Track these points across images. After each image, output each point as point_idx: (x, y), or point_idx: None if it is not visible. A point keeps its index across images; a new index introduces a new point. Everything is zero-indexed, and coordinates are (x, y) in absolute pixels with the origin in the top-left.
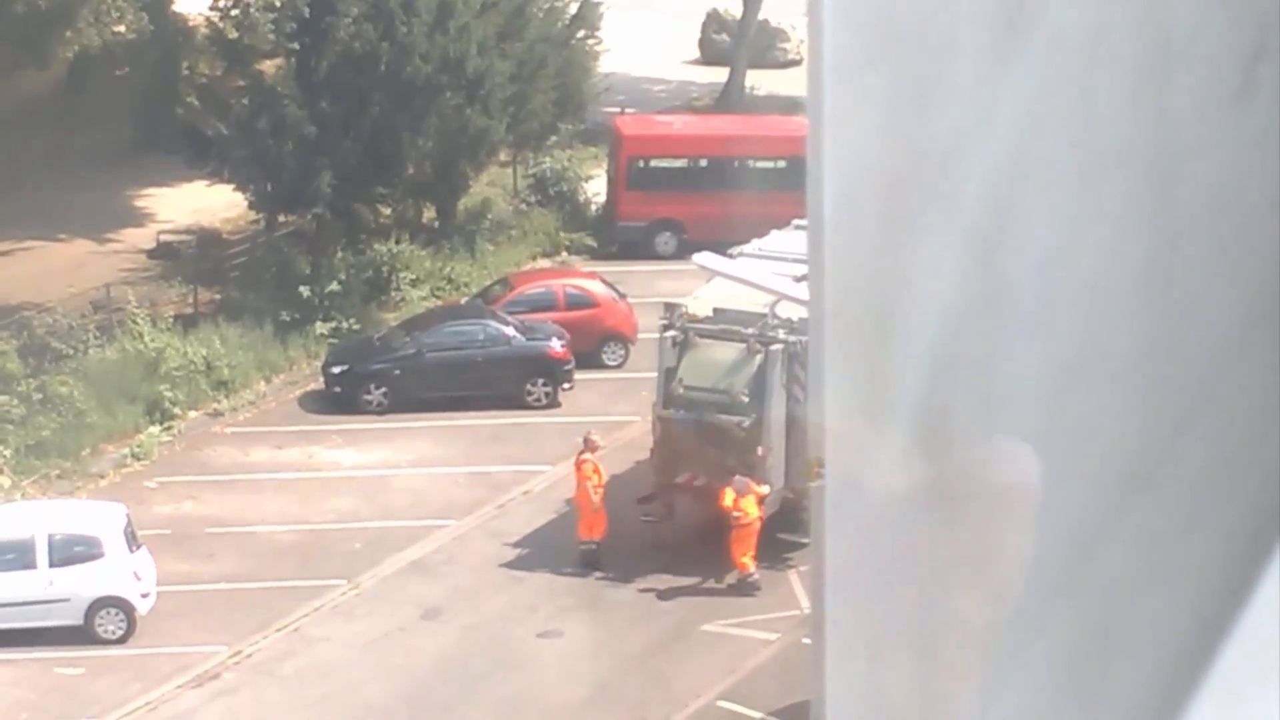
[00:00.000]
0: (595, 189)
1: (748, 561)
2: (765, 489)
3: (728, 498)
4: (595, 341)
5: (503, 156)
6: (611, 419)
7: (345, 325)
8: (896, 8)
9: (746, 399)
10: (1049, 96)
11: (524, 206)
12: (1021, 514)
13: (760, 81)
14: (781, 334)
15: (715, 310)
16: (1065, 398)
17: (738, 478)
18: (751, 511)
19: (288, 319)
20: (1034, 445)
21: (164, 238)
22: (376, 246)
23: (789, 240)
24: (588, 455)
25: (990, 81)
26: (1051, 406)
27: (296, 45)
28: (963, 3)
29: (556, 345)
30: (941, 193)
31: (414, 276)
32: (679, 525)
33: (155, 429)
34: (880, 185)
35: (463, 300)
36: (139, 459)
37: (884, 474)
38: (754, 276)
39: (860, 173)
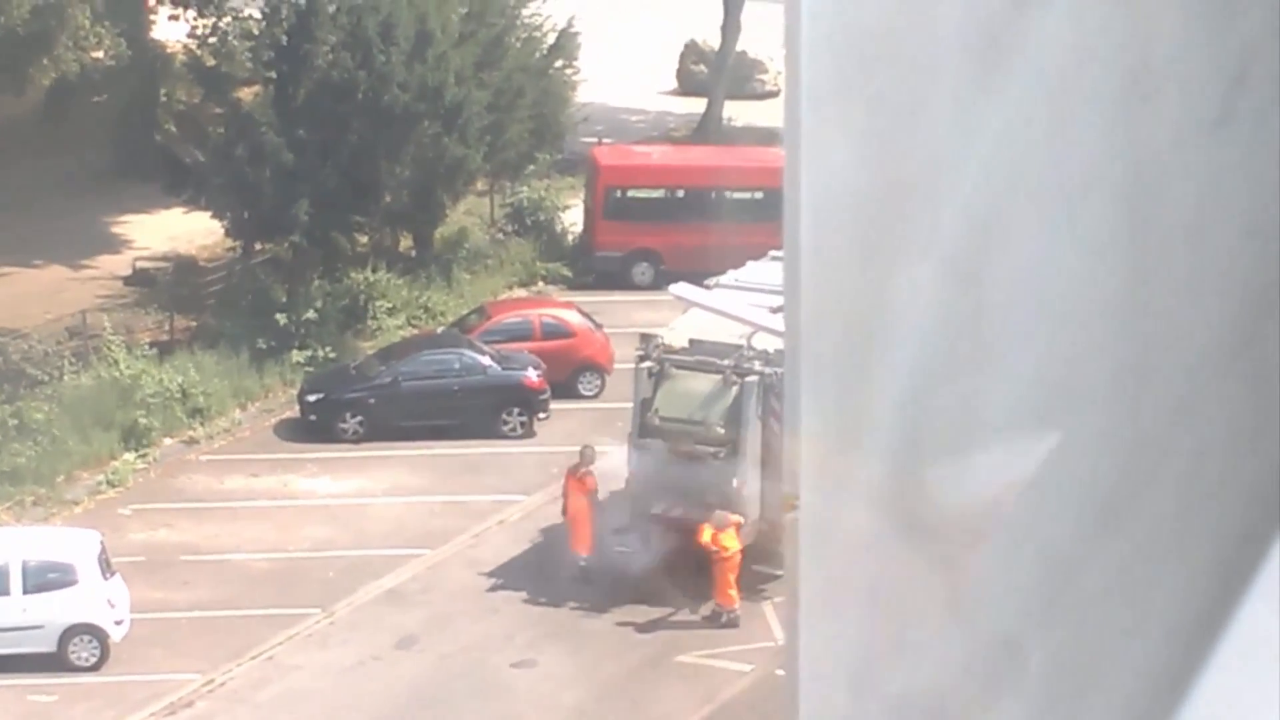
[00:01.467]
0: (572, 219)
1: (733, 595)
2: (741, 520)
3: (706, 534)
4: (571, 371)
5: (480, 186)
6: (593, 447)
7: (321, 353)
8: (873, 37)
9: (722, 430)
10: (1027, 124)
11: (501, 236)
12: (998, 541)
13: (738, 112)
14: (757, 365)
15: (691, 341)
16: (1042, 423)
17: (717, 512)
18: (732, 545)
19: (264, 346)
20: (1011, 471)
21: (140, 264)
22: (353, 275)
23: (765, 271)
24: (586, 469)
25: (969, 109)
26: (1028, 432)
27: (274, 73)
28: (941, 32)
29: (532, 375)
30: (920, 220)
31: (390, 305)
32: (654, 556)
33: (130, 456)
34: (858, 213)
35: (439, 329)
36: (114, 486)
37: (860, 504)
38: (730, 307)
39: (837, 201)
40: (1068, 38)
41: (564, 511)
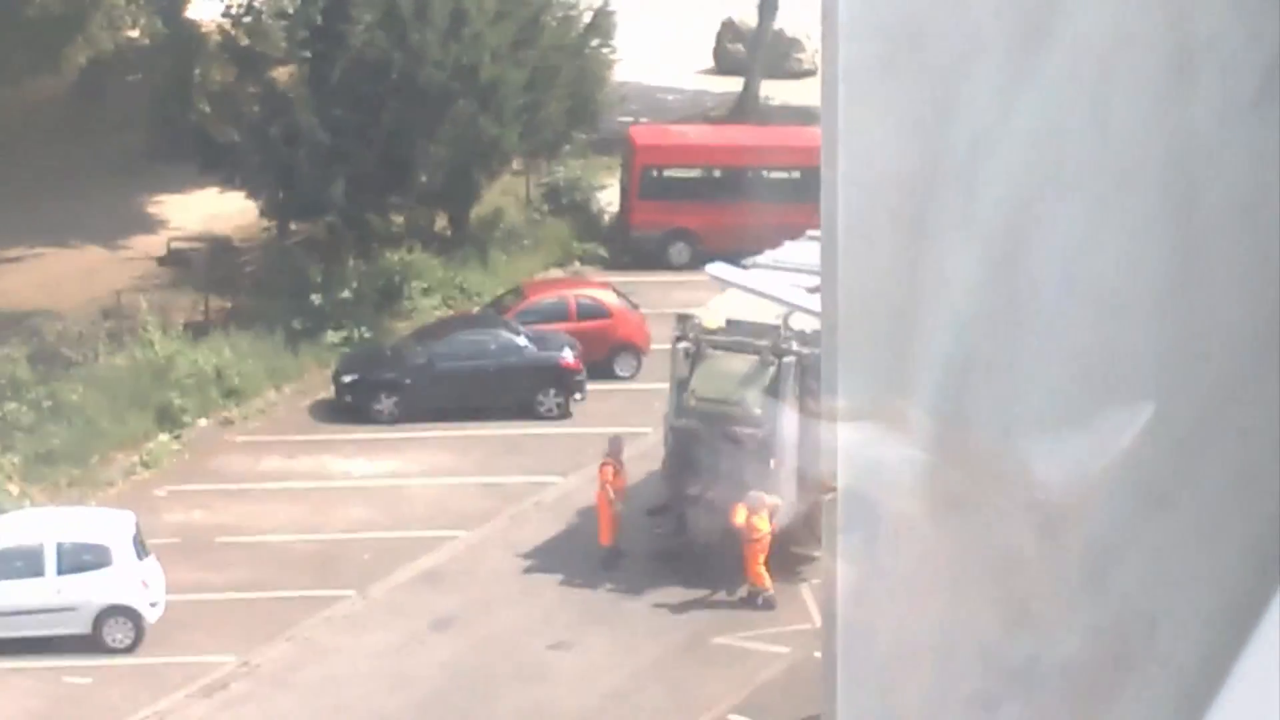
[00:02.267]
0: (609, 199)
1: (764, 574)
2: (777, 501)
3: (740, 515)
4: (607, 352)
5: (516, 165)
6: (624, 430)
7: (357, 334)
8: (911, 19)
9: (759, 410)
10: (1067, 106)
11: (537, 216)
12: (1038, 524)
13: (775, 92)
14: (794, 345)
15: (728, 321)
16: (1083, 407)
17: (751, 493)
18: (763, 528)
19: (299, 327)
20: (1052, 455)
21: (175, 245)
22: (388, 255)
23: (803, 251)
24: (613, 459)
25: (1008, 92)
26: (1070, 415)
27: (309, 53)
28: (979, 13)
29: (568, 355)
30: (960, 200)
31: (426, 285)
32: (690, 537)
33: (165, 437)
34: (897, 193)
35: (475, 310)
36: (149, 467)
37: (899, 484)
38: (767, 288)
39: (876, 181)
40: (1107, 21)
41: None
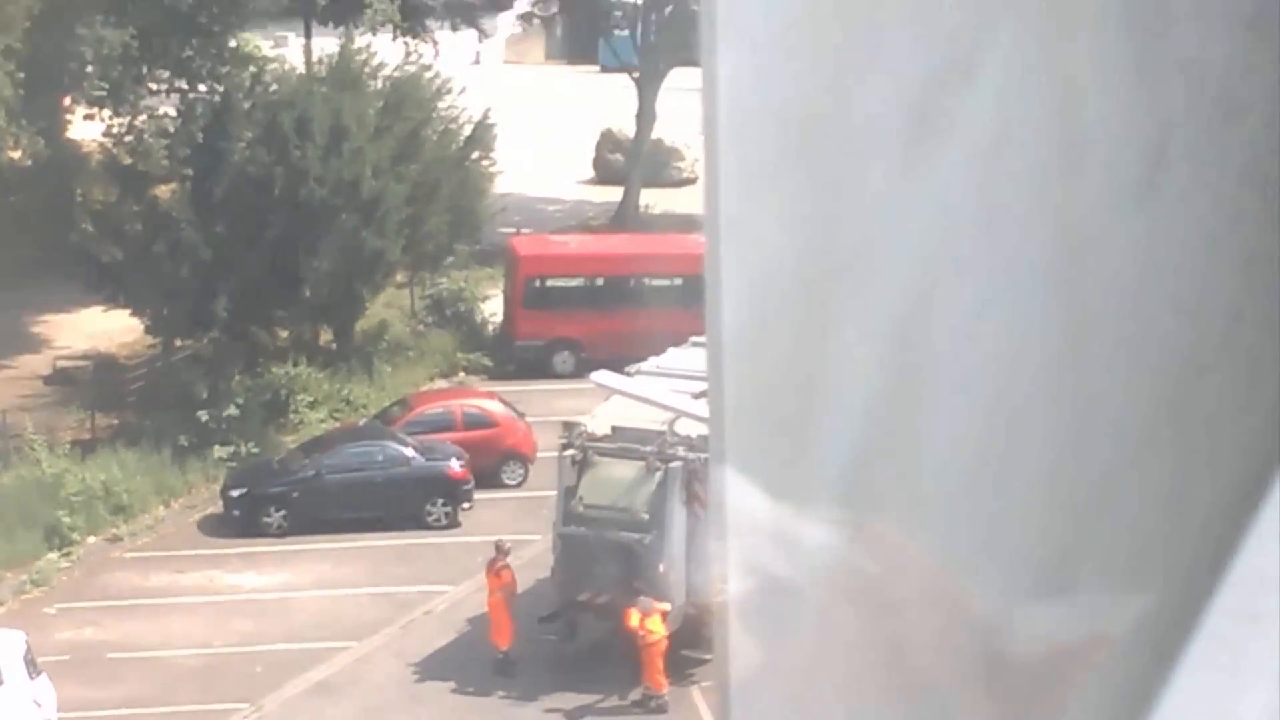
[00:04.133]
0: (492, 309)
1: (661, 679)
2: (667, 606)
3: (633, 618)
4: (495, 461)
5: (399, 278)
6: (512, 538)
7: (244, 449)
8: (795, 120)
9: (647, 516)
10: (958, 199)
11: (421, 327)
12: (941, 605)
13: (655, 200)
14: (681, 451)
15: (614, 428)
16: (981, 489)
17: (642, 598)
18: (658, 630)
19: (186, 443)
20: (953, 535)
21: (61, 363)
22: (274, 369)
23: (687, 358)
24: (501, 561)
25: (898, 187)
26: (968, 498)
27: (191, 170)
28: (866, 112)
29: (456, 465)
30: (852, 297)
31: (312, 399)
32: (581, 643)
33: (54, 555)
34: (785, 290)
35: (361, 422)
36: (38, 585)
37: (792, 583)
38: (652, 394)
39: (762, 280)
40: (994, 114)
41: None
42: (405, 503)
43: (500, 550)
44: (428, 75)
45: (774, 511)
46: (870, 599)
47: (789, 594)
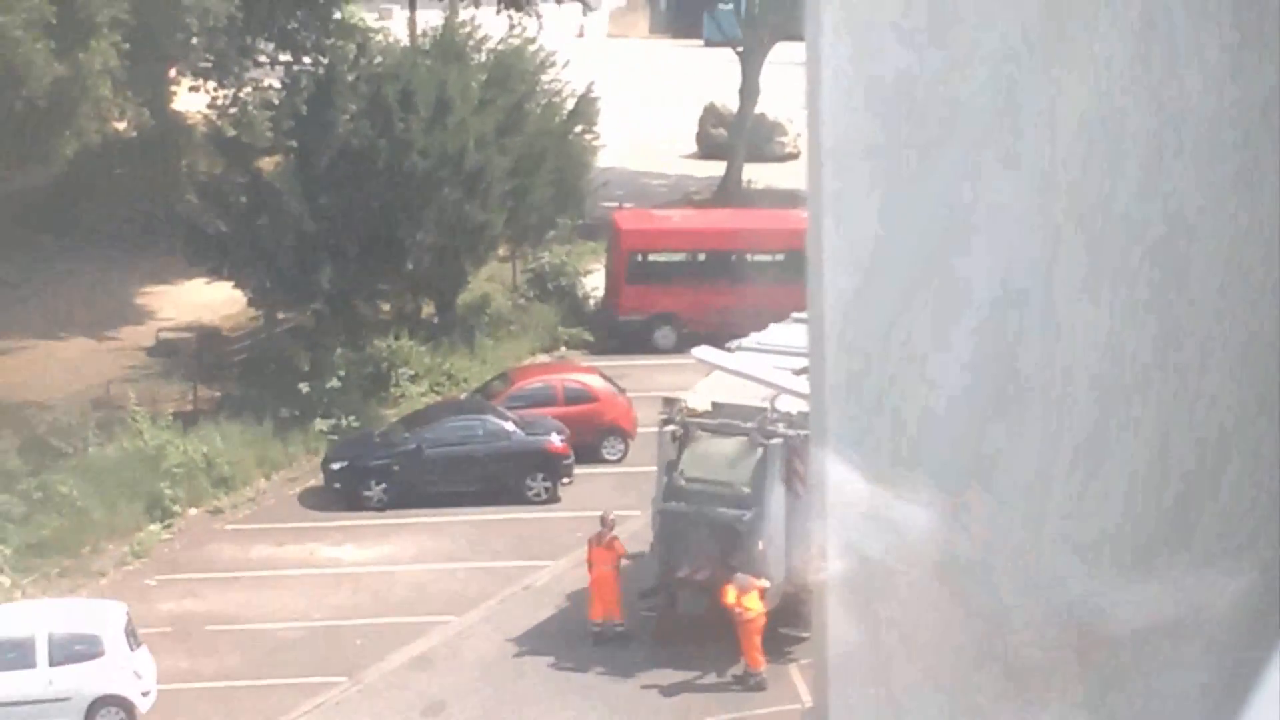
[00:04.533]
0: (594, 283)
1: (759, 657)
2: (765, 583)
3: (730, 595)
4: (595, 436)
5: (502, 251)
6: (613, 513)
7: (345, 421)
8: (897, 99)
9: (747, 492)
10: (1055, 183)
11: (523, 301)
12: (1036, 584)
13: (758, 175)
14: (781, 427)
15: (715, 404)
16: (1072, 480)
17: (739, 574)
18: (754, 607)
19: (287, 415)
20: (1050, 514)
21: (164, 335)
22: (376, 342)
23: (788, 333)
24: (610, 534)
25: (996, 169)
26: (1067, 478)
27: (295, 142)
28: (966, 93)
29: (556, 440)
30: (950, 280)
31: (413, 372)
32: (681, 618)
33: (155, 526)
34: (884, 274)
35: (462, 396)
36: (139, 557)
37: (893, 560)
38: (753, 370)
39: (864, 261)
40: (1093, 97)
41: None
42: (505, 477)
43: (606, 523)
44: (531, 48)
45: (872, 492)
46: (966, 578)
47: (886, 573)
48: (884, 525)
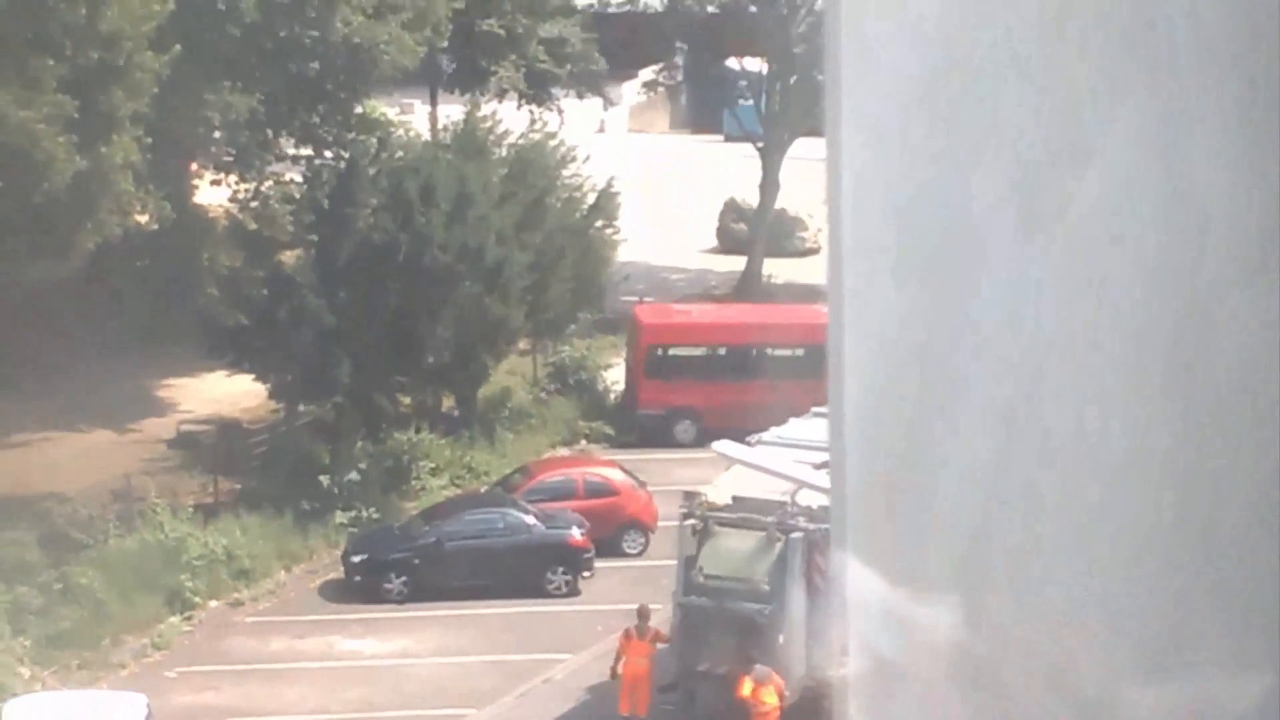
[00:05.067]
0: (614, 377)
1: None
2: (781, 681)
3: (746, 687)
4: (615, 529)
5: (522, 345)
6: (631, 607)
7: (365, 514)
8: (917, 197)
9: (767, 587)
10: (1072, 278)
11: (543, 395)
12: (1049, 685)
13: (778, 269)
14: (802, 521)
15: (735, 498)
16: (1095, 568)
17: (759, 667)
18: (770, 701)
19: (308, 508)
20: (1065, 613)
21: (184, 427)
22: (396, 435)
23: (809, 428)
24: (651, 628)
25: (1014, 265)
26: (1082, 576)
27: (315, 236)
28: (983, 191)
29: (576, 533)
30: (971, 372)
31: (434, 465)
32: (700, 714)
33: (175, 619)
34: (906, 367)
35: (483, 489)
36: (159, 649)
37: (910, 658)
38: (773, 464)
39: (883, 356)
40: (1111, 196)
41: (614, 672)
42: (526, 570)
43: (643, 615)
44: (552, 143)
45: (890, 590)
46: (982, 677)
47: (903, 671)
48: (901, 624)
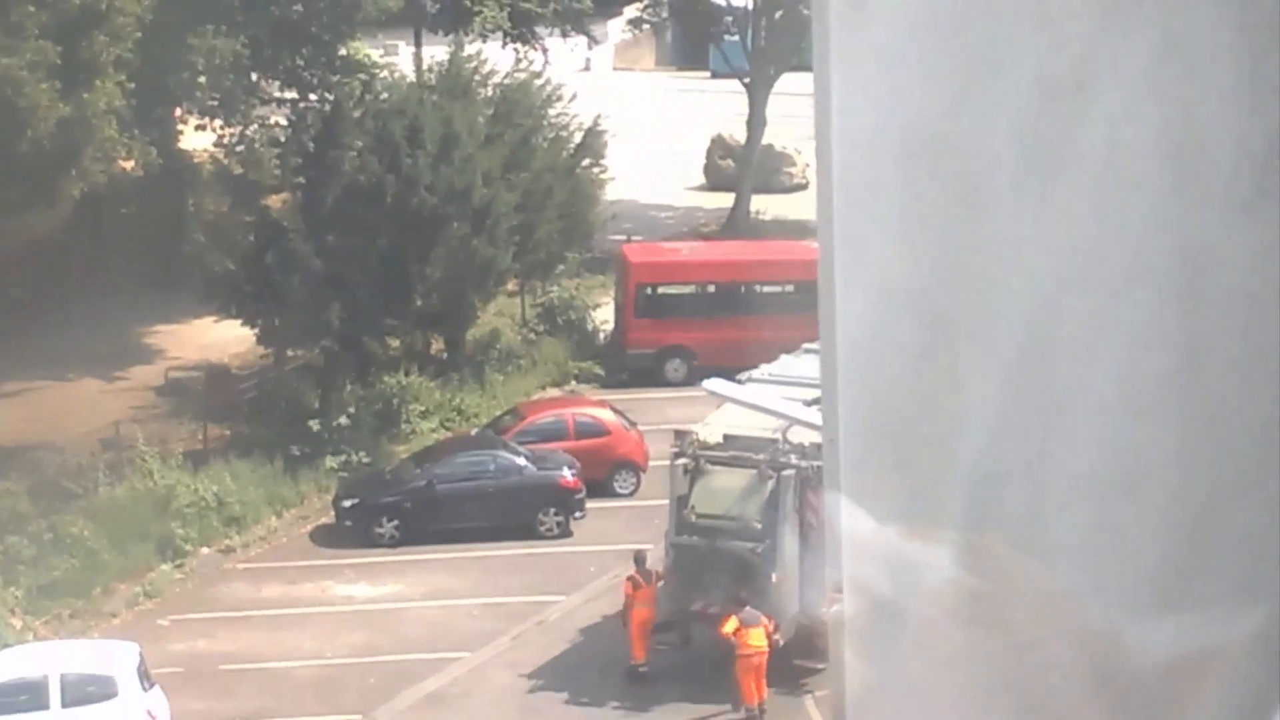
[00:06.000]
0: (603, 317)
1: (753, 692)
2: (769, 623)
3: (730, 625)
4: (607, 470)
5: (510, 286)
6: (624, 547)
7: (356, 458)
8: (909, 135)
9: (759, 525)
10: (1075, 217)
11: (532, 336)
12: (1063, 625)
13: (766, 206)
14: (793, 459)
15: (726, 437)
16: (1102, 505)
17: (748, 609)
18: (757, 643)
19: (298, 453)
20: (1072, 551)
21: (173, 374)
22: (385, 379)
23: (799, 365)
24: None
25: (1015, 205)
26: (1089, 514)
27: (302, 180)
28: (982, 129)
29: (568, 474)
30: (973, 308)
31: (424, 408)
32: (696, 653)
33: (167, 566)
34: (901, 304)
35: (473, 431)
36: (151, 597)
37: (911, 596)
38: (764, 402)
39: (881, 293)
40: (1110, 130)
41: (625, 621)
42: (517, 512)
43: (640, 560)
44: (538, 82)
45: (885, 528)
46: (982, 613)
47: (902, 615)
48: (898, 562)
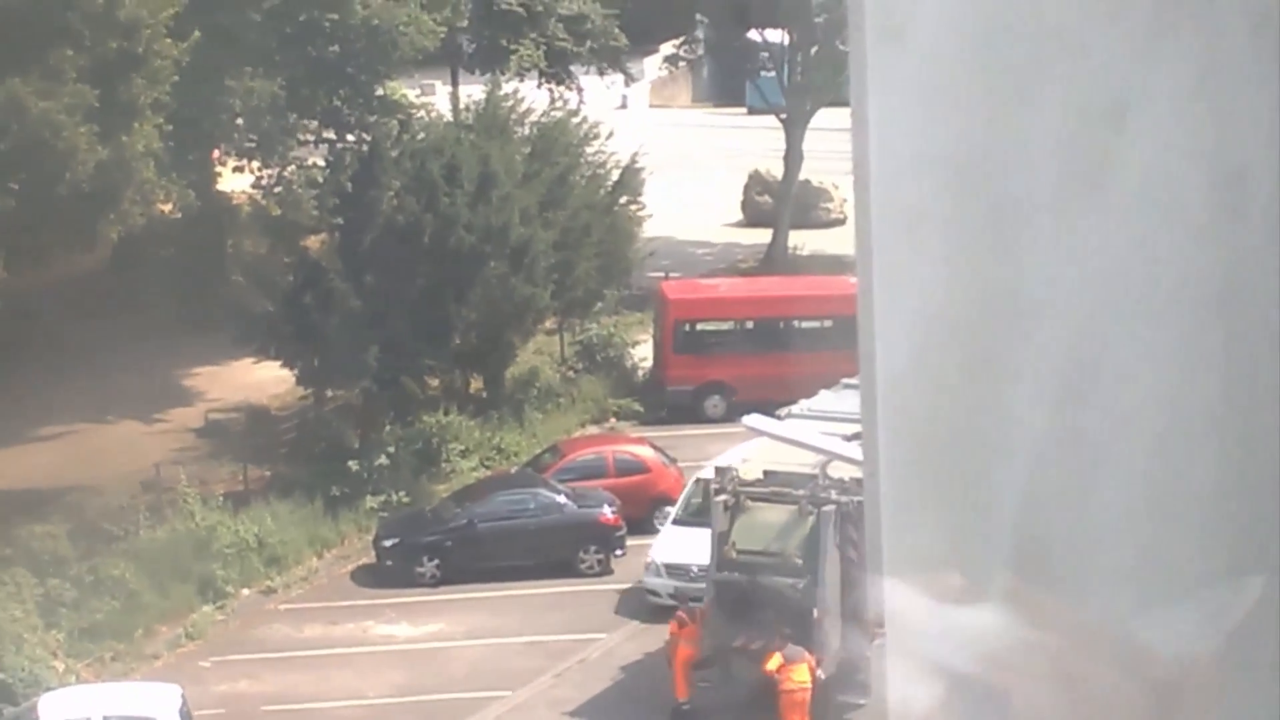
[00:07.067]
0: (642, 354)
1: None
2: (813, 660)
3: (774, 661)
4: (647, 507)
5: (549, 324)
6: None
7: (395, 498)
8: (948, 163)
9: (800, 561)
10: (1119, 241)
11: (571, 374)
12: (1114, 658)
13: (804, 241)
14: (833, 494)
15: (766, 472)
16: (1150, 537)
17: (790, 645)
18: (800, 679)
19: (338, 494)
20: (1125, 588)
21: (213, 416)
22: (425, 418)
23: (838, 399)
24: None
25: (1056, 230)
26: (1138, 547)
27: (340, 220)
28: (1021, 158)
29: (608, 512)
30: (1015, 341)
31: (463, 447)
32: (736, 689)
33: (208, 608)
34: (942, 337)
35: (513, 469)
36: (193, 638)
37: (961, 628)
38: (804, 437)
39: (920, 325)
40: (1150, 157)
41: (670, 662)
42: (558, 550)
43: (683, 600)
44: (574, 120)
45: (930, 566)
46: (1028, 652)
47: (948, 647)
48: (941, 597)
